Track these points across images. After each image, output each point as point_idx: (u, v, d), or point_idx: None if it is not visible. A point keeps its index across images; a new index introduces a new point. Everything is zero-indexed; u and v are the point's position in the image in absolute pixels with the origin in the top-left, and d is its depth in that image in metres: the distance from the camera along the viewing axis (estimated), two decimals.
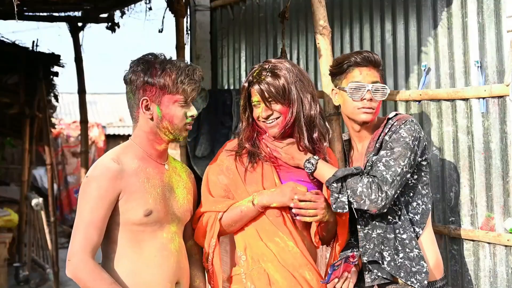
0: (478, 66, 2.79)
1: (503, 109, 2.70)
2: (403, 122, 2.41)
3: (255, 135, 2.48)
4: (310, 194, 2.33)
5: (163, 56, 2.28)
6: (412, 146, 2.35)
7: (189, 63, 2.30)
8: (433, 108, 3.00)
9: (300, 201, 2.31)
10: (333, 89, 2.57)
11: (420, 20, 3.13)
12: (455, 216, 2.90)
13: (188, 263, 2.37)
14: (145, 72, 2.22)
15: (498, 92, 2.69)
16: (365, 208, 2.29)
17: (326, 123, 2.46)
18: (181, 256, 2.31)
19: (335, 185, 2.30)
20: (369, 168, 2.39)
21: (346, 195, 2.29)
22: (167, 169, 2.34)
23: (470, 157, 2.83)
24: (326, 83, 2.72)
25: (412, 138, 2.36)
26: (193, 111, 2.28)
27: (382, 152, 2.37)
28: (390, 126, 2.43)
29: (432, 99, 3.00)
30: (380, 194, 2.26)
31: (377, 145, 2.42)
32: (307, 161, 2.38)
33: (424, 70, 3.05)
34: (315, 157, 2.39)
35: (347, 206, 2.29)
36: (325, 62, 2.71)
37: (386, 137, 2.40)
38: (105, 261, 2.23)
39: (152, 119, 2.25)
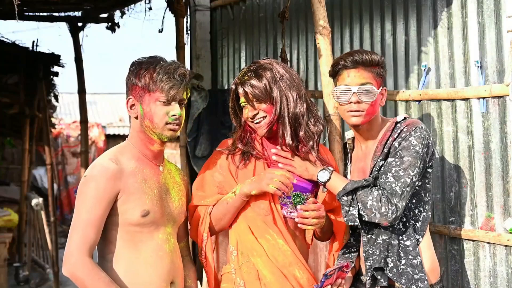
0: (478, 66, 2.79)
1: (503, 109, 2.70)
2: (413, 128, 2.38)
3: (248, 135, 2.52)
4: (313, 204, 2.35)
5: (157, 57, 2.29)
6: (421, 154, 2.34)
7: (175, 62, 2.30)
8: (433, 108, 3.00)
9: (304, 211, 2.33)
10: (332, 91, 2.57)
11: (420, 20, 3.13)
12: (455, 216, 2.90)
13: (182, 263, 2.39)
14: (133, 73, 2.27)
15: (498, 92, 2.69)
16: (376, 221, 2.29)
17: (319, 123, 2.47)
18: (175, 256, 2.33)
19: (345, 198, 2.31)
20: (376, 172, 2.38)
21: (357, 208, 2.30)
22: (162, 171, 2.36)
23: (470, 157, 2.83)
24: (326, 83, 2.72)
25: (422, 146, 2.35)
26: (175, 111, 2.26)
27: (390, 160, 2.36)
28: (399, 131, 2.40)
29: (432, 99, 3.00)
30: (390, 207, 2.27)
31: (385, 149, 2.40)
32: (322, 171, 2.40)
33: (424, 70, 3.05)
34: (329, 168, 2.41)
35: (358, 219, 2.30)
36: (325, 62, 2.71)
37: (395, 143, 2.38)
38: (102, 261, 2.24)
39: (137, 117, 2.29)
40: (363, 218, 2.31)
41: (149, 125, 2.26)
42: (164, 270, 2.26)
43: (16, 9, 2.82)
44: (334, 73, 2.50)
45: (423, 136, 2.37)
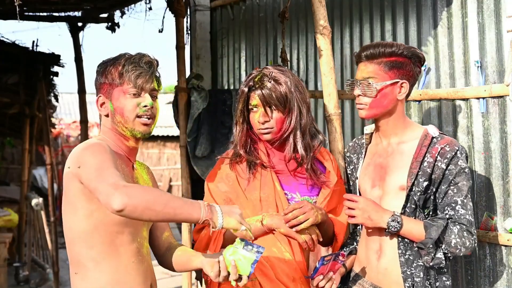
0: (478, 66, 2.79)
1: (503, 109, 2.70)
2: (457, 149, 2.31)
3: (249, 141, 2.46)
4: (292, 204, 2.32)
5: (123, 54, 2.21)
6: (469, 173, 2.33)
7: (141, 53, 2.20)
8: (433, 108, 3.00)
9: (286, 214, 2.30)
10: None
11: (420, 20, 3.13)
12: None
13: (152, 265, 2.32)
14: (99, 73, 2.20)
15: (498, 92, 2.69)
16: (461, 254, 2.27)
17: (319, 134, 2.47)
18: (150, 260, 2.28)
19: (430, 245, 2.25)
20: (419, 194, 2.31)
21: (442, 251, 2.26)
22: (135, 169, 2.28)
23: (470, 157, 2.83)
24: (326, 83, 2.72)
25: (468, 165, 2.34)
26: (146, 101, 2.16)
27: (446, 189, 2.30)
28: (439, 149, 2.31)
29: (432, 99, 3.00)
30: (472, 239, 2.26)
31: (426, 169, 2.31)
32: (392, 221, 2.29)
33: (424, 70, 3.05)
34: (396, 214, 2.30)
35: (444, 261, 2.26)
36: (325, 62, 2.71)
37: (441, 165, 2.30)
38: (83, 269, 2.13)
39: (107, 115, 2.19)
40: (447, 255, 2.27)
41: (120, 120, 2.16)
42: (144, 273, 2.20)
43: (16, 9, 2.82)
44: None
45: (465, 154, 2.33)
